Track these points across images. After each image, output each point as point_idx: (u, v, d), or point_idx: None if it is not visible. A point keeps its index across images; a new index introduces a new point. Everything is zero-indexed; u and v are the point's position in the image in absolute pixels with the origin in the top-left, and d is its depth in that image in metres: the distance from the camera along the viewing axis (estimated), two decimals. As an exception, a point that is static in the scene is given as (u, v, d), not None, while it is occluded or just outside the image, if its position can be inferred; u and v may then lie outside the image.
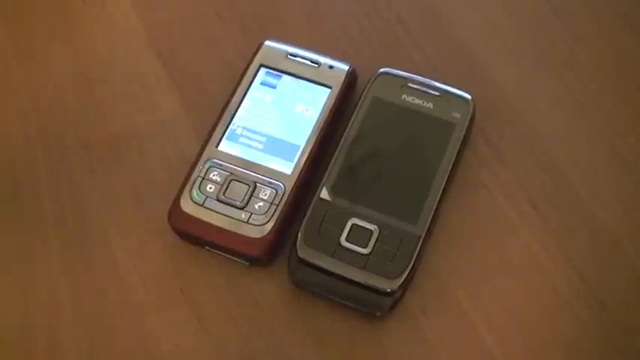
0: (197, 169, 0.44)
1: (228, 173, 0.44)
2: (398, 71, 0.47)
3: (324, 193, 0.43)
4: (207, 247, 0.44)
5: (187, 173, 0.45)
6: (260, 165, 0.44)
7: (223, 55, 0.51)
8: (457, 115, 0.45)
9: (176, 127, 0.49)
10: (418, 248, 0.41)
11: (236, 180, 0.44)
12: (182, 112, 0.49)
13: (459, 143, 0.44)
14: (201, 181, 0.44)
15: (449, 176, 0.43)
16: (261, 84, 0.47)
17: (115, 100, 0.50)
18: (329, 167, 0.44)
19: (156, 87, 0.50)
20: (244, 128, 0.46)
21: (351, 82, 0.47)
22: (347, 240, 0.42)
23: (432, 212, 0.42)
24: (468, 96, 0.46)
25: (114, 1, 0.54)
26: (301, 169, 0.44)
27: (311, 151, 0.44)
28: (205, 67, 0.51)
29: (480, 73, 0.49)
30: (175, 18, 0.53)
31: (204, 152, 0.45)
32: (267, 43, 0.48)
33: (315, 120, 0.45)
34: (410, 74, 0.46)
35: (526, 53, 0.50)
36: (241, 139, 0.45)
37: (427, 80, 0.46)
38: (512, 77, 0.49)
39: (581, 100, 0.48)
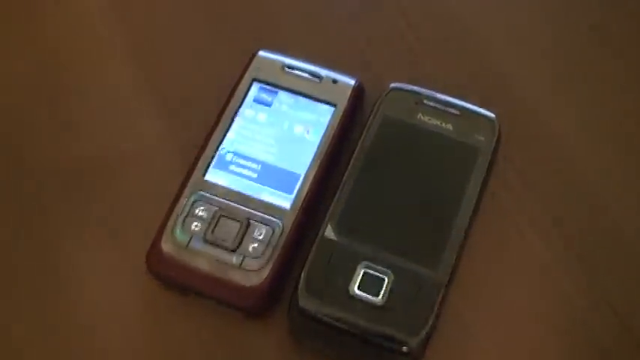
0: (180, 202, 0.38)
1: (216, 208, 0.38)
2: (412, 87, 0.41)
3: (329, 232, 0.37)
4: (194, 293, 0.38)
5: (169, 208, 0.38)
6: (254, 198, 0.38)
7: (211, 68, 0.44)
8: (481, 138, 0.39)
9: (157, 152, 0.42)
10: (440, 298, 0.35)
11: (226, 216, 0.38)
12: (164, 134, 0.43)
13: (484, 171, 0.38)
14: (185, 218, 0.38)
15: (473, 210, 0.37)
16: (255, 102, 0.41)
17: (88, 117, 0.44)
18: (334, 200, 0.38)
19: (135, 104, 0.44)
20: (235, 154, 0.40)
21: (357, 99, 0.41)
22: (356, 287, 0.36)
23: (455, 255, 0.36)
24: (492, 115, 0.40)
25: (92, 5, 0.47)
26: (302, 203, 0.38)
27: (313, 180, 0.38)
28: (191, 82, 0.44)
29: (504, 89, 0.43)
30: (159, 26, 0.47)
31: (189, 183, 0.39)
32: (261, 53, 0.42)
33: (317, 144, 0.39)
34: (425, 90, 0.40)
35: (554, 68, 0.44)
36: (232, 167, 0.39)
37: (445, 97, 0.40)
38: (538, 94, 0.43)
39: (614, 119, 0.42)
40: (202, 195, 0.38)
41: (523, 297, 0.38)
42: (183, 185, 0.39)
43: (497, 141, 0.39)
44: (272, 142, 0.40)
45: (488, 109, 0.40)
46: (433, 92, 0.40)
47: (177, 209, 0.38)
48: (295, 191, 0.38)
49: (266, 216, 0.38)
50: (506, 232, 0.40)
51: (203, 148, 0.40)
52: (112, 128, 0.43)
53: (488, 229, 0.39)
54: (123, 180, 0.42)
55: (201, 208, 0.38)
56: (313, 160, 0.39)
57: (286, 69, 0.41)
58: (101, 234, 0.40)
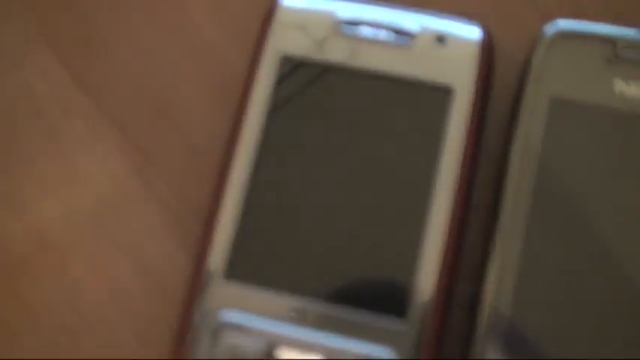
0: (190, 338, 0.20)
1: (263, 341, 0.20)
2: (593, 25, 0.21)
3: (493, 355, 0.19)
4: None
5: (174, 345, 0.20)
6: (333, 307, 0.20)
7: (202, 44, 0.24)
8: None
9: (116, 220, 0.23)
10: None
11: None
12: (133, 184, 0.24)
13: None
14: (208, 366, 0.20)
15: None
16: (293, 104, 0.22)
17: None
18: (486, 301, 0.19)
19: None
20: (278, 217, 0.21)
21: (490, 70, 0.21)
22: None
23: None
24: None
25: None
26: (431, 311, 0.19)
27: (446, 255, 0.19)
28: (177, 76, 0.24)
29: None
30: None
31: (199, 295, 0.20)
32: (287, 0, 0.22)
33: (434, 177, 0.20)
34: (625, 30, 0.21)
35: None
36: (279, 248, 0.21)
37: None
38: None
39: None
40: (230, 319, 0.20)
41: None
42: (189, 300, 0.20)
43: None
44: (346, 184, 0.21)
45: None
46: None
47: (189, 353, 0.20)
48: (412, 287, 0.19)
49: (359, 346, 0.19)
50: None
51: (213, 214, 0.20)
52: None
53: None
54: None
55: (234, 343, 0.20)
56: (433, 214, 0.20)
57: (343, 25, 0.21)
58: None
